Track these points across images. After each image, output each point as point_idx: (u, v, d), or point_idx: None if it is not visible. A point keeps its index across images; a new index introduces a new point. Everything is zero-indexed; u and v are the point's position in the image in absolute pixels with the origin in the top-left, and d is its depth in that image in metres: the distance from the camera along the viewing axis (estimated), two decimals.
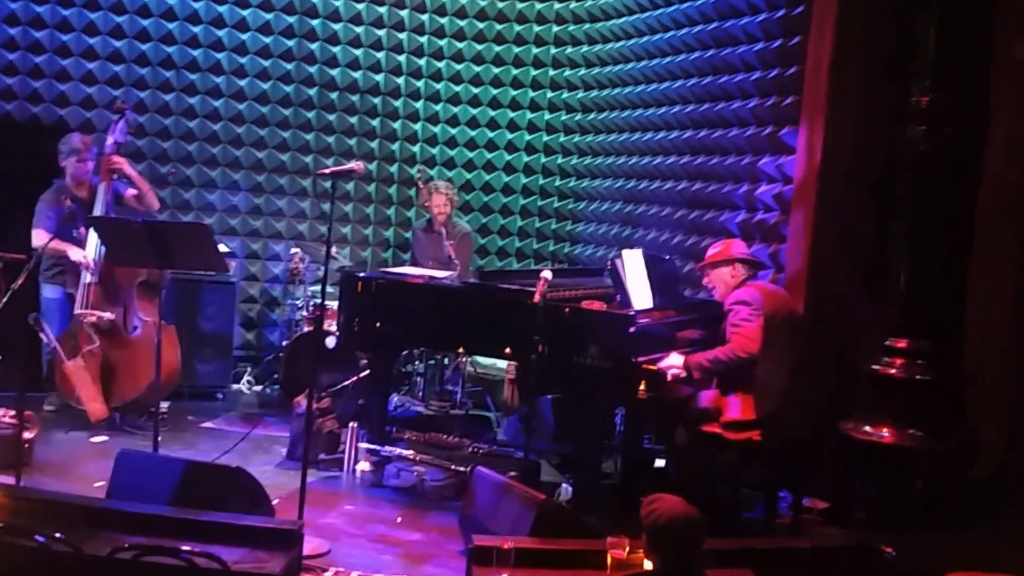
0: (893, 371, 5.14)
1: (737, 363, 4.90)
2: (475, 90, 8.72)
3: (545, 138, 8.75)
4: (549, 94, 8.71)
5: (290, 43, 8.32)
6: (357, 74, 8.49)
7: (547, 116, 8.73)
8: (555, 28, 8.64)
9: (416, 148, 8.75)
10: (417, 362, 7.64)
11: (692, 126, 7.28)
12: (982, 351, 5.39)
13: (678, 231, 7.22)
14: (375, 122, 8.61)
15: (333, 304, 6.64)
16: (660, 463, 5.91)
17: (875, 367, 5.20)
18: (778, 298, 5.25)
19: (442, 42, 8.66)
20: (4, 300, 4.94)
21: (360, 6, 8.43)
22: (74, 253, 6.31)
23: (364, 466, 5.88)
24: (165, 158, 8.09)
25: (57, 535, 3.52)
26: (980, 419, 5.28)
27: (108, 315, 6.30)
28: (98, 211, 6.28)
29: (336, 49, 8.43)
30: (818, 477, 5.45)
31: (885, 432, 5.07)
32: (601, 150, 8.35)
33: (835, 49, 5.80)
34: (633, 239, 7.55)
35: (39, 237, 6.19)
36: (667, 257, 6.34)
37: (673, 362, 5.09)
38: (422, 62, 8.65)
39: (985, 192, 5.28)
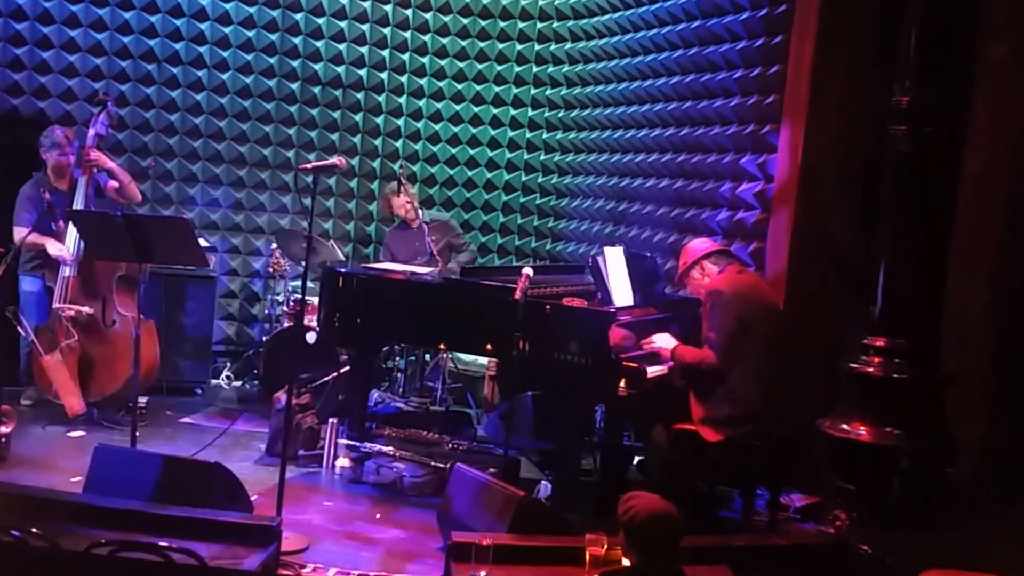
0: (871, 369, 5.16)
1: (700, 369, 4.90)
2: (459, 86, 8.71)
3: (528, 135, 8.74)
4: (532, 91, 8.70)
5: (273, 37, 8.28)
6: (340, 69, 8.46)
7: (530, 113, 8.72)
8: (539, 25, 8.63)
9: (399, 144, 8.73)
10: (398, 358, 7.63)
11: (675, 124, 7.29)
12: (961, 351, 5.42)
13: (662, 229, 7.23)
14: (358, 117, 8.59)
15: (314, 299, 6.62)
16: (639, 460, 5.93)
17: (853, 365, 5.21)
18: (756, 290, 5.17)
19: (426, 37, 8.64)
20: None
21: (344, 0, 8.40)
22: (52, 247, 6.26)
23: (343, 462, 5.85)
24: (146, 151, 8.04)
25: (33, 530, 3.50)
26: (960, 419, 5.30)
27: (87, 309, 6.26)
28: (78, 204, 6.25)
29: (319, 43, 8.39)
30: (798, 475, 5.47)
31: (862, 430, 5.08)
32: (584, 147, 8.35)
33: (817, 48, 5.83)
34: (617, 236, 7.55)
35: (20, 233, 6.16)
36: (648, 255, 6.34)
37: (664, 342, 5.09)
38: (406, 57, 8.63)
39: (965, 192, 5.30)
